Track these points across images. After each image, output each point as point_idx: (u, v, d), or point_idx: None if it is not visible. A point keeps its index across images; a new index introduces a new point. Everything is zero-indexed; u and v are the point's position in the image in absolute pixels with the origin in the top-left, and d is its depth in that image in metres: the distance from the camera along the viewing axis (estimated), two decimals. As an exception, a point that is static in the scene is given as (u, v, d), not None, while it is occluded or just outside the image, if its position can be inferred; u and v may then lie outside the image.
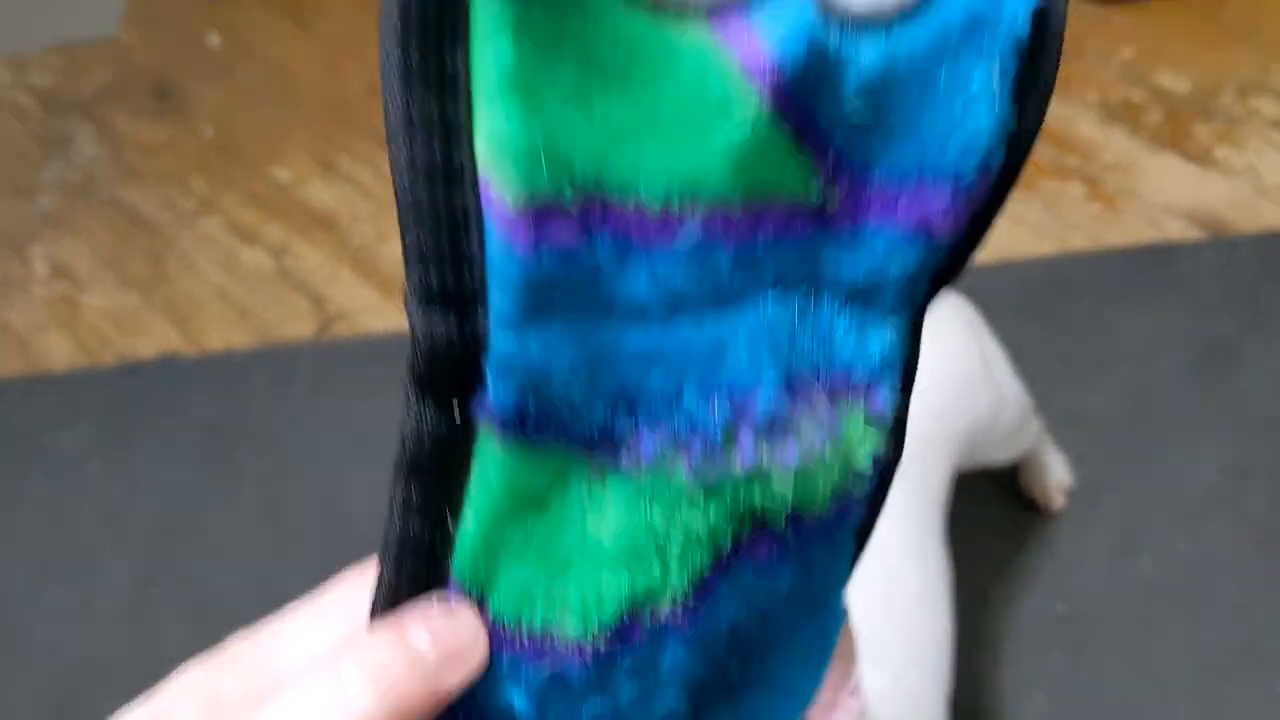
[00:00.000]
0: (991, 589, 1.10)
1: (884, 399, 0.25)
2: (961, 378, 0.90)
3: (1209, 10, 1.60)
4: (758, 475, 0.25)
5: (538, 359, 0.22)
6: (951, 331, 0.89)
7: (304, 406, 1.38)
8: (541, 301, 0.22)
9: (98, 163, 1.74)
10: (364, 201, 1.61)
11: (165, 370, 1.45)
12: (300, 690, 0.23)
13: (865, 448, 0.25)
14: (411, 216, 0.21)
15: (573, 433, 0.23)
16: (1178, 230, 1.38)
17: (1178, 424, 1.19)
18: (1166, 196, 1.42)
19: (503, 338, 0.22)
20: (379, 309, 1.48)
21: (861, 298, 0.25)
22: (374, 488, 1.27)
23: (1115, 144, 1.48)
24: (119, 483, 1.34)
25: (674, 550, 0.24)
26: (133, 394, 1.43)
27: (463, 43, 0.20)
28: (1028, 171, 0.27)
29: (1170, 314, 1.28)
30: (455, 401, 0.23)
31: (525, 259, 0.21)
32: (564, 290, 0.22)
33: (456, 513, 0.24)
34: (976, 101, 0.23)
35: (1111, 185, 1.44)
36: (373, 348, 1.43)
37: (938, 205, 0.24)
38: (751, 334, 0.24)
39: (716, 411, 0.24)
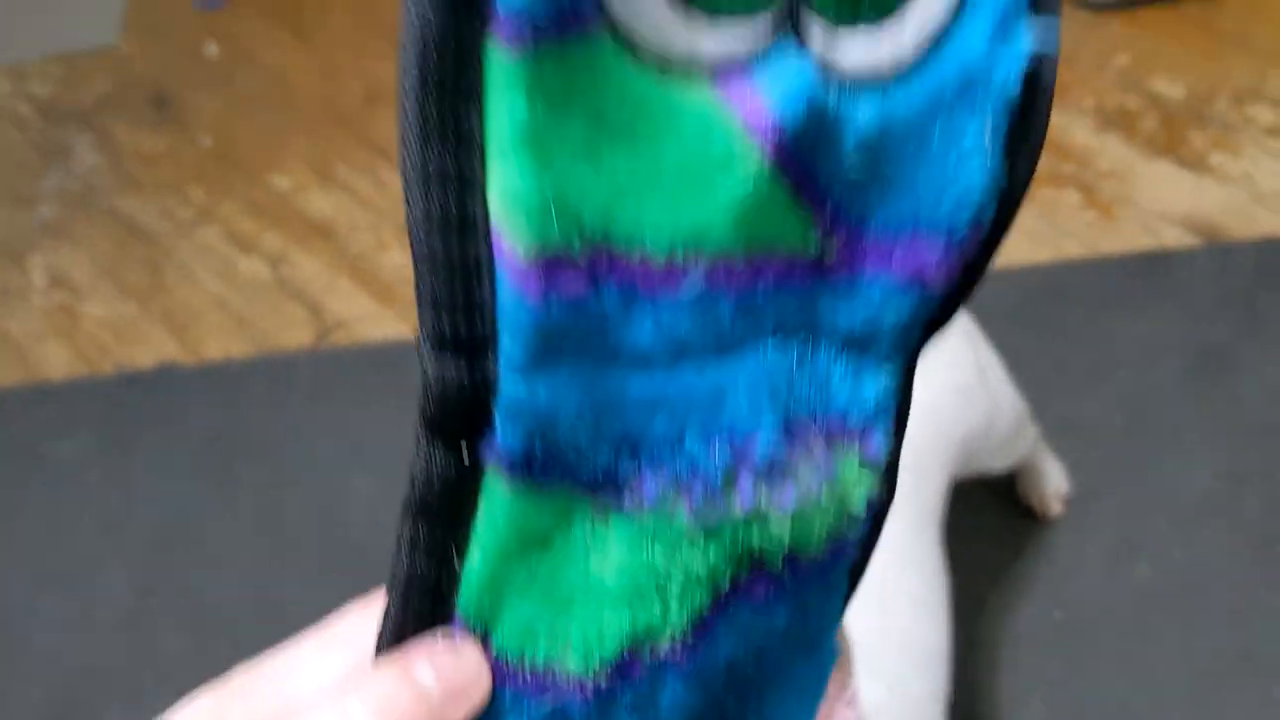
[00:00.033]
0: (989, 596, 1.10)
1: (878, 443, 0.26)
2: (958, 386, 0.90)
3: (1204, 18, 1.61)
4: (756, 517, 0.25)
5: (545, 404, 0.23)
6: (947, 340, 0.89)
7: (302, 415, 1.38)
8: (550, 348, 0.22)
9: (97, 172, 1.74)
10: (362, 210, 1.61)
11: (164, 379, 1.45)
12: None
13: (860, 490, 0.26)
14: (427, 265, 0.22)
15: (578, 475, 0.24)
16: (1173, 237, 1.38)
17: (1174, 431, 1.19)
18: (1162, 203, 1.42)
19: (512, 383, 0.23)
20: (377, 318, 1.48)
21: (857, 345, 0.25)
22: (372, 496, 1.28)
23: (1111, 151, 1.49)
24: (117, 492, 1.34)
25: (674, 589, 0.25)
26: (131, 403, 1.43)
27: (477, 100, 0.21)
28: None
29: (1166, 321, 1.29)
30: (464, 443, 0.23)
31: (535, 308, 0.22)
32: (572, 338, 0.23)
33: (463, 551, 0.24)
34: (969, 157, 0.24)
35: (1107, 192, 1.45)
36: (370, 356, 1.43)
37: (931, 257, 0.24)
38: (751, 380, 0.24)
39: (717, 455, 0.24)
